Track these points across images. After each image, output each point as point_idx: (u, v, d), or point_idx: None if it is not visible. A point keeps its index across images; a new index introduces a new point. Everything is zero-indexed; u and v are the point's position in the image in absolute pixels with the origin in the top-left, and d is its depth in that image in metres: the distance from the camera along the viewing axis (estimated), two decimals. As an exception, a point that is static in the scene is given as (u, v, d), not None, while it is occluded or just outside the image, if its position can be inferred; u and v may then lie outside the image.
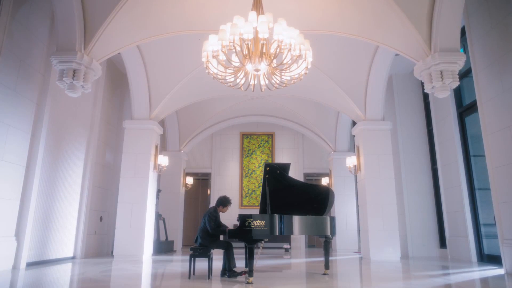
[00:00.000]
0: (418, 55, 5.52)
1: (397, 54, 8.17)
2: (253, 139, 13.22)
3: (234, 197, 12.66)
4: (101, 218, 8.50)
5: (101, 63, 5.75)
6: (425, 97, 9.33)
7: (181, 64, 8.02)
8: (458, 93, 7.88)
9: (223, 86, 8.50)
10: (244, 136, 13.24)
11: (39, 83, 6.09)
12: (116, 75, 9.34)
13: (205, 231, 4.85)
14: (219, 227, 4.90)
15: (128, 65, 7.88)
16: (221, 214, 5.06)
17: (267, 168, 4.93)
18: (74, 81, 5.31)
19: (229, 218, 10.58)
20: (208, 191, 12.92)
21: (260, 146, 13.15)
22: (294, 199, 5.21)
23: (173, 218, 10.75)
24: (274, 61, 4.53)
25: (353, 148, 11.45)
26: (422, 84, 9.50)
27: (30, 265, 5.87)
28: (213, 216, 4.84)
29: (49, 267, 5.83)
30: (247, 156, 13.07)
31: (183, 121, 11.22)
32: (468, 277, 5.04)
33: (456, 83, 5.21)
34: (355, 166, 8.88)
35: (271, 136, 13.20)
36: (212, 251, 4.85)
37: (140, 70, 7.95)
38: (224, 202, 5.01)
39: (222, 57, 4.68)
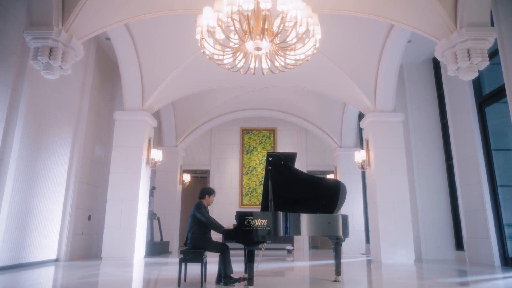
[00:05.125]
0: (441, 32, 4.86)
1: (409, 41, 7.56)
2: (254, 135, 12.58)
3: (234, 195, 12.03)
4: (89, 217, 7.87)
5: (83, 42, 5.11)
6: (439, 87, 8.66)
7: (176, 50, 7.37)
8: (477, 82, 7.22)
9: (222, 74, 7.87)
10: (245, 131, 12.61)
11: (15, 66, 5.45)
12: (107, 64, 8.69)
13: (196, 230, 4.19)
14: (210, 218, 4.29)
15: (118, 50, 7.23)
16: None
17: (270, 159, 4.26)
18: (51, 61, 4.67)
19: (227, 218, 9.94)
20: (207, 189, 12.26)
21: (262, 142, 12.51)
22: (300, 195, 4.55)
23: (169, 218, 10.13)
24: (278, 38, 3.90)
25: (359, 144, 10.82)
26: (436, 73, 8.90)
27: (2, 269, 5.21)
28: (201, 207, 4.23)
29: (24, 272, 5.18)
30: (248, 153, 12.43)
31: (180, 115, 10.59)
32: (500, 285, 4.38)
33: (486, 63, 4.56)
34: (363, 161, 8.23)
35: (272, 131, 12.56)
36: (206, 254, 4.22)
37: (132, 56, 7.31)
38: (208, 191, 4.43)
39: (219, 35, 4.07)
